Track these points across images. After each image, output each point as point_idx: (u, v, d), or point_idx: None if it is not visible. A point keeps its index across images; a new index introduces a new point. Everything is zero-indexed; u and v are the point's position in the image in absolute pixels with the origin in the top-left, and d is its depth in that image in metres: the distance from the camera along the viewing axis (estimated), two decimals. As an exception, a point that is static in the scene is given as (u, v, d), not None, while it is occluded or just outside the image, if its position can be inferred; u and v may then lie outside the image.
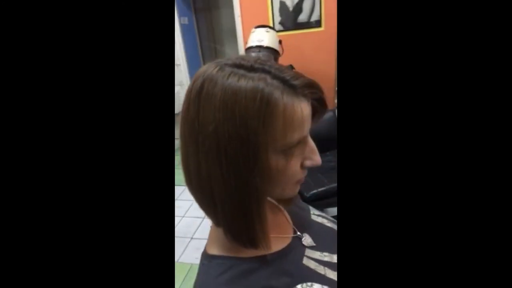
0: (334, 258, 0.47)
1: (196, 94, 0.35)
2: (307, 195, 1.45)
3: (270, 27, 2.24)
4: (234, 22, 2.81)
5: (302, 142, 0.38)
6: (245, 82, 0.33)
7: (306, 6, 2.53)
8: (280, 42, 2.19)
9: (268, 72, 0.35)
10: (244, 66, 0.35)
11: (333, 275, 0.44)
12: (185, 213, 2.35)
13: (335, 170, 1.67)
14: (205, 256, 0.43)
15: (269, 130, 0.34)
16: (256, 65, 0.35)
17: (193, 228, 2.20)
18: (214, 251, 0.43)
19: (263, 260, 0.42)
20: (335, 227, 0.53)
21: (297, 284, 0.41)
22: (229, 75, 0.34)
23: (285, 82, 0.35)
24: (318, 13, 2.55)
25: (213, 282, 0.39)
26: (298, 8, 2.56)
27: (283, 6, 2.57)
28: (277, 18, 2.62)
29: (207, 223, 2.15)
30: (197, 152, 0.36)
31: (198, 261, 0.45)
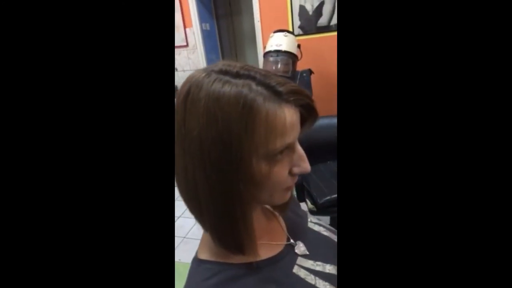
0: (326, 268, 0.45)
1: (183, 99, 0.36)
2: (320, 201, 1.43)
3: (288, 32, 2.24)
4: (254, 27, 2.83)
5: (288, 148, 0.38)
6: (229, 88, 0.34)
7: (326, 10, 2.51)
8: (298, 46, 2.18)
9: (253, 78, 0.35)
10: (229, 73, 0.35)
11: (323, 285, 0.43)
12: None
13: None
14: (195, 260, 0.44)
15: (251, 136, 0.34)
16: (242, 72, 0.35)
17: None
18: (203, 255, 0.43)
19: (251, 267, 0.41)
20: (332, 236, 0.52)
21: None
22: (214, 81, 0.34)
23: (269, 89, 0.35)
24: (339, 17, 2.51)
25: (199, 286, 0.39)
26: (317, 12, 2.54)
27: (302, 10, 2.56)
28: (297, 22, 2.61)
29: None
30: (183, 155, 0.36)
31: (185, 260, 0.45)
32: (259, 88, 0.34)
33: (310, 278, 0.43)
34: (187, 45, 3.12)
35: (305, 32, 2.62)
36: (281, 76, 0.38)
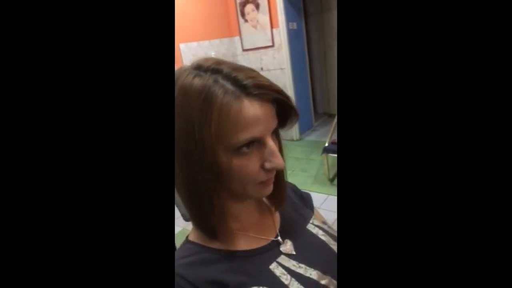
0: (308, 272, 0.43)
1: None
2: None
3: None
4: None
5: (258, 143, 0.38)
6: (196, 81, 0.36)
7: None
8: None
9: (220, 71, 0.36)
10: (201, 67, 0.38)
11: (297, 287, 0.41)
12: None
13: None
14: (185, 240, 0.48)
15: (211, 128, 0.35)
16: (212, 66, 0.37)
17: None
18: (191, 237, 0.47)
19: (227, 255, 0.43)
20: (330, 241, 0.49)
21: (253, 286, 0.40)
22: (187, 75, 0.38)
23: (235, 82, 0.36)
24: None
25: (176, 263, 0.43)
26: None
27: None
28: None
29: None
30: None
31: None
32: (224, 82, 0.36)
33: (285, 278, 0.42)
34: (272, 45, 3.21)
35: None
36: (255, 71, 0.38)
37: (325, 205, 2.18)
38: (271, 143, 0.38)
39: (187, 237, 0.48)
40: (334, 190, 2.35)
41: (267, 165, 0.39)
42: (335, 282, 0.44)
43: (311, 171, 2.74)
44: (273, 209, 0.51)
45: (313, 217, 0.54)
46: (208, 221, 0.41)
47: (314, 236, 0.49)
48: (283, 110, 0.40)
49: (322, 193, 2.33)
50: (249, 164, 0.38)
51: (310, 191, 2.62)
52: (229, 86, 0.35)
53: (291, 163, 2.92)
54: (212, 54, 3.06)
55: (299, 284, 0.42)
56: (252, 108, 0.36)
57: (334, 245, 0.49)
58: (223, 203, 0.41)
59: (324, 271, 0.44)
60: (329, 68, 4.04)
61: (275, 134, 0.43)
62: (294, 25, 3.26)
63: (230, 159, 0.37)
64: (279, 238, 0.47)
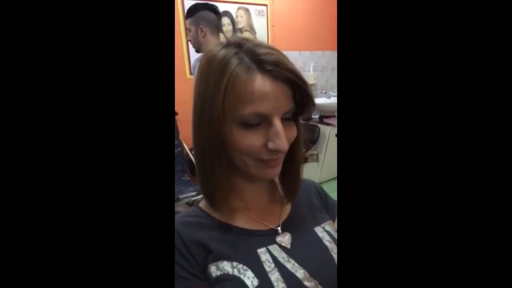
0: (295, 269, 0.41)
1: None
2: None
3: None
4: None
5: (265, 121, 0.38)
6: (220, 53, 0.39)
7: None
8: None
9: (242, 45, 0.38)
10: (229, 42, 0.40)
11: (276, 278, 0.39)
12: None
13: None
14: (194, 205, 0.52)
15: (221, 97, 0.37)
16: (239, 41, 0.40)
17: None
18: (201, 204, 0.50)
19: (222, 225, 0.45)
20: (334, 249, 0.45)
21: (234, 261, 0.41)
22: (216, 47, 0.41)
23: (252, 56, 0.37)
24: None
25: (177, 219, 0.47)
26: None
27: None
28: None
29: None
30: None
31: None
32: (243, 55, 0.38)
33: (268, 265, 0.41)
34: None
35: None
36: (279, 50, 0.39)
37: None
38: (277, 123, 0.38)
39: (198, 203, 0.51)
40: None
41: (270, 145, 0.39)
42: (320, 287, 0.40)
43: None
44: (285, 200, 0.50)
45: (327, 222, 0.50)
46: (208, 187, 0.43)
47: (318, 239, 0.46)
48: (300, 96, 0.39)
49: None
50: (251, 138, 0.39)
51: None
52: (246, 59, 0.37)
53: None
54: (311, 65, 3.09)
55: (279, 275, 0.40)
56: (262, 83, 0.36)
57: (335, 254, 0.44)
58: (225, 174, 0.42)
59: (313, 274, 0.41)
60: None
61: (295, 122, 0.42)
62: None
63: (233, 129, 0.38)
64: (279, 228, 0.46)
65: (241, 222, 0.45)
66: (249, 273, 0.40)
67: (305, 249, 0.44)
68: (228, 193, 0.44)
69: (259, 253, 0.42)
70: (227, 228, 0.44)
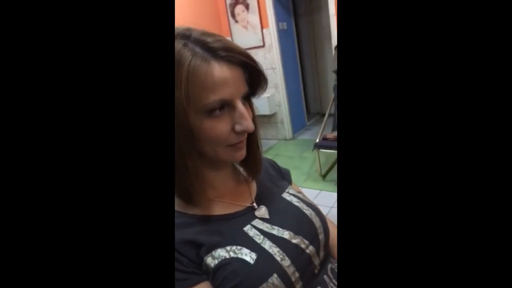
0: (280, 232, 0.45)
1: None
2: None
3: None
4: (329, 23, 2.77)
5: (228, 106, 0.40)
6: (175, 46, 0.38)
7: None
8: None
9: (188, 37, 0.38)
10: (179, 35, 0.39)
11: (269, 245, 0.43)
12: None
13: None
14: None
15: (183, 90, 0.37)
16: (182, 32, 0.39)
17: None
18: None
19: (202, 219, 0.45)
20: (303, 207, 0.51)
21: (227, 245, 0.42)
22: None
23: (202, 45, 0.38)
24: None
25: None
26: None
27: None
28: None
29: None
30: None
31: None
32: (193, 46, 0.38)
33: (258, 238, 0.44)
34: (263, 46, 3.25)
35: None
36: (222, 36, 0.40)
37: (317, 200, 2.20)
38: (240, 106, 0.40)
39: None
40: (326, 186, 2.37)
41: (238, 127, 0.41)
42: (306, 241, 0.46)
43: (304, 169, 2.76)
44: (250, 179, 0.53)
45: (289, 187, 0.56)
46: (184, 185, 0.42)
47: (288, 203, 0.51)
48: (252, 76, 0.42)
49: (315, 189, 2.35)
50: (220, 126, 0.40)
51: (303, 187, 2.58)
52: (197, 49, 0.37)
53: (284, 161, 2.94)
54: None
55: (271, 243, 0.43)
56: (220, 70, 0.38)
57: (306, 210, 0.50)
58: (197, 168, 0.43)
59: (296, 232, 0.46)
60: (320, 68, 4.08)
61: (248, 102, 0.45)
62: (284, 25, 3.30)
63: (201, 121, 0.39)
64: (254, 204, 0.49)
65: (219, 209, 0.47)
66: (245, 250, 0.42)
67: (281, 214, 0.49)
68: (204, 186, 0.44)
69: (245, 231, 0.45)
70: (208, 220, 0.45)
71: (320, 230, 0.49)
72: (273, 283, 0.40)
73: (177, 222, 0.44)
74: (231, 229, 0.45)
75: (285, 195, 0.53)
